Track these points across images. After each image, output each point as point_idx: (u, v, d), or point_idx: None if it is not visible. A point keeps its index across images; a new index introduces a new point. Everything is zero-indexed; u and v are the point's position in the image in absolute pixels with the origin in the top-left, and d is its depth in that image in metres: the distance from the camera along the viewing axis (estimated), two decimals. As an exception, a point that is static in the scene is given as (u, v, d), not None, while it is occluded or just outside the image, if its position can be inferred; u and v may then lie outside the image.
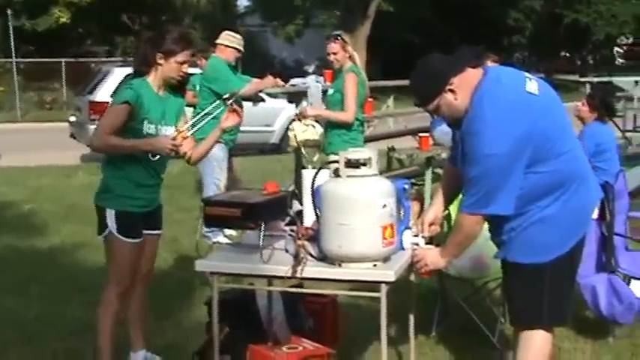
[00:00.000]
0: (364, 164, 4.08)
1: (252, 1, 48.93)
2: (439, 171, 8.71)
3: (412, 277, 4.78)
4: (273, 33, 46.09)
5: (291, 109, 17.08)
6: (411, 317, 4.89)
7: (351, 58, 7.72)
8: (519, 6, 44.66)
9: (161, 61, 4.90)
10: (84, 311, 6.29)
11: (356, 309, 6.15)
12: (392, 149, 11.51)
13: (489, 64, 5.04)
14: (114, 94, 5.02)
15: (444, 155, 8.92)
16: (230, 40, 8.73)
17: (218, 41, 8.79)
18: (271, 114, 17.74)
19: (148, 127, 4.88)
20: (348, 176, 4.07)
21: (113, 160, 4.96)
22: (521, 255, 4.00)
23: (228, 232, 8.39)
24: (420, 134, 9.52)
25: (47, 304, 6.83)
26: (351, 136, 7.67)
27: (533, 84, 3.93)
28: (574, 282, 4.25)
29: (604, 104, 7.97)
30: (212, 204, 4.34)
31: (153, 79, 4.95)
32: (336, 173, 4.20)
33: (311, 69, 40.27)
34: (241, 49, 8.80)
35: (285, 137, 17.50)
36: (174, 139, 4.84)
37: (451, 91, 3.91)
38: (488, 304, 5.82)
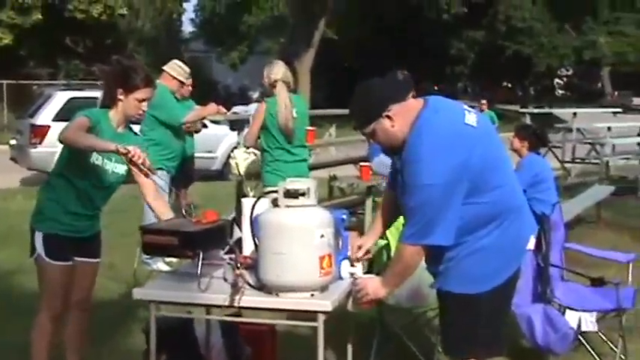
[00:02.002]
0: (303, 194, 4.10)
1: (196, 26, 48.99)
2: (379, 200, 8.78)
3: (350, 307, 4.80)
4: (217, 59, 46.15)
5: (234, 136, 17.12)
6: (349, 346, 4.91)
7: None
8: (462, 36, 45.29)
9: (121, 97, 4.85)
10: (20, 336, 6.20)
11: (294, 338, 6.13)
12: (334, 178, 11.56)
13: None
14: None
15: (384, 185, 8.99)
16: (177, 72, 8.73)
17: (165, 68, 8.77)
18: (214, 140, 17.72)
19: (96, 158, 4.83)
20: (287, 206, 4.09)
21: (51, 183, 4.95)
22: (457, 285, 4.02)
23: (168, 259, 8.34)
24: (362, 163, 9.58)
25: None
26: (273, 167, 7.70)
27: (472, 116, 3.97)
28: (508, 313, 4.29)
29: (534, 135, 8.11)
30: (150, 232, 4.32)
31: (114, 114, 4.91)
32: (275, 203, 4.22)
33: (255, 95, 40.37)
34: (185, 82, 8.81)
35: (227, 164, 17.54)
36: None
37: (388, 117, 3.93)
38: (426, 333, 5.86)
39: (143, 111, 4.95)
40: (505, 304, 4.18)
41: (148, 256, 8.58)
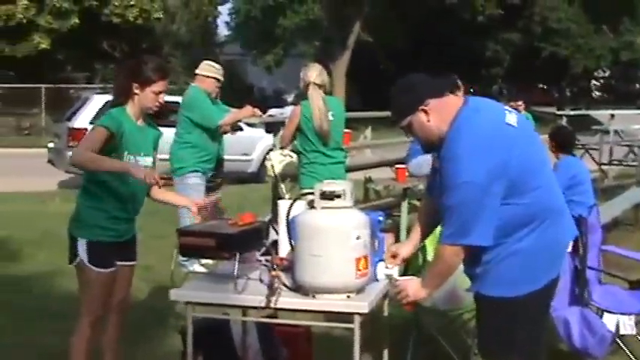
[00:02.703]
0: (339, 196, 4.11)
1: (231, 30, 49.15)
2: (415, 202, 8.77)
3: (385, 308, 4.81)
4: (252, 62, 46.27)
5: (269, 139, 17.16)
6: (385, 348, 4.90)
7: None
8: (498, 38, 45.10)
9: (137, 91, 4.90)
10: (55, 339, 6.27)
11: (330, 339, 6.14)
12: (369, 180, 11.56)
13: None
14: (97, 120, 4.98)
15: (421, 187, 8.96)
16: (210, 71, 8.76)
17: (197, 71, 8.81)
18: (249, 143, 17.76)
19: (129, 159, 4.87)
20: (323, 208, 4.10)
21: (88, 190, 4.95)
22: (494, 288, 3.99)
23: (204, 260, 8.38)
24: (397, 165, 9.57)
25: (19, 332, 6.80)
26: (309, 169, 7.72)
27: (512, 116, 3.95)
28: (547, 320, 4.26)
29: (560, 140, 8.09)
30: (187, 234, 4.36)
31: (131, 108, 4.95)
32: (311, 205, 4.24)
33: (290, 98, 40.45)
34: (221, 78, 8.82)
35: (262, 166, 17.57)
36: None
37: (424, 111, 3.93)
38: (462, 335, 5.85)
39: (161, 103, 4.99)
40: (543, 309, 4.15)
41: (184, 258, 8.63)
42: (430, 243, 6.30)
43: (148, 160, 5.01)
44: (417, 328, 5.97)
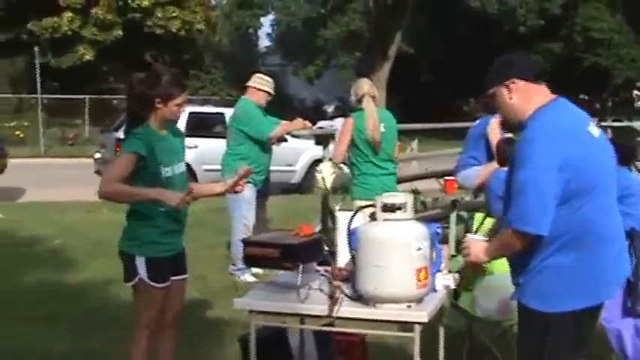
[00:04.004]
0: (399, 208, 4.21)
1: (273, 41, 49.38)
2: (463, 214, 8.81)
3: (442, 319, 4.88)
4: (293, 73, 46.42)
5: (313, 150, 17.26)
6: (440, 358, 4.97)
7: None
8: (539, 48, 44.91)
9: (160, 105, 4.93)
10: (109, 347, 6.42)
11: (382, 348, 6.21)
12: (416, 192, 11.61)
13: None
14: (124, 143, 5.01)
15: (468, 198, 9.02)
16: (261, 83, 8.89)
17: (249, 83, 8.95)
18: (293, 154, 17.85)
19: (165, 171, 4.94)
20: (384, 220, 4.20)
21: (137, 208, 5.00)
22: (531, 300, 4.01)
23: (254, 270, 8.51)
24: (446, 177, 9.62)
25: (73, 339, 6.93)
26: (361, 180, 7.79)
27: (594, 128, 4.02)
28: (583, 348, 4.18)
29: (623, 150, 8.07)
30: (252, 244, 4.48)
31: (153, 121, 4.98)
32: (372, 216, 4.34)
33: (330, 109, 40.53)
34: (272, 92, 8.96)
35: (306, 177, 17.69)
36: (188, 193, 4.84)
37: (507, 87, 4.03)
38: (515, 346, 5.88)
39: (181, 113, 5.09)
40: (577, 334, 4.06)
41: (235, 268, 8.79)
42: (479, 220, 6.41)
43: (182, 166, 5.10)
44: (470, 338, 6.03)
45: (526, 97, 4.02)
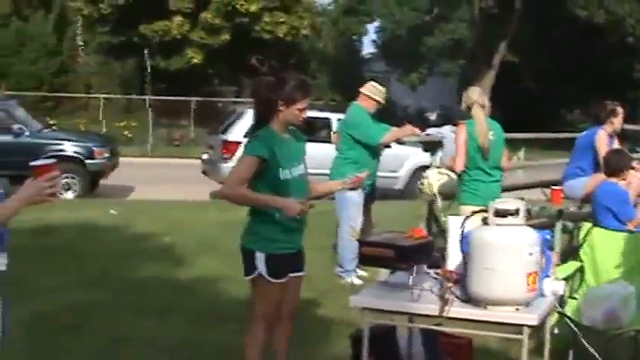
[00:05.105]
0: (512, 214, 4.36)
1: (377, 48, 49.47)
2: (569, 224, 8.85)
3: (549, 324, 4.99)
4: (397, 79, 46.42)
5: (418, 156, 17.35)
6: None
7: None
8: (647, 59, 43.98)
9: (282, 108, 5.11)
10: (227, 338, 6.66)
11: (486, 352, 6.32)
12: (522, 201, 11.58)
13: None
14: (247, 145, 5.19)
15: (572, 209, 9.06)
16: (374, 92, 9.06)
17: (362, 90, 9.14)
18: (397, 160, 17.86)
19: (284, 174, 5.11)
20: (497, 224, 4.36)
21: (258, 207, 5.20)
22: None
23: (360, 273, 8.74)
24: (552, 187, 9.62)
25: (190, 330, 7.19)
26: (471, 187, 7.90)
27: None
28: None
29: None
30: (368, 244, 4.68)
31: (276, 124, 5.17)
32: (484, 221, 4.50)
33: (432, 117, 40.42)
34: (383, 102, 9.14)
35: (409, 184, 17.74)
36: (303, 204, 5.04)
37: None
38: (619, 354, 5.94)
39: (303, 117, 5.22)
40: None
41: (341, 270, 8.99)
42: (588, 262, 6.49)
43: (301, 168, 5.26)
44: (576, 346, 6.10)
45: None
